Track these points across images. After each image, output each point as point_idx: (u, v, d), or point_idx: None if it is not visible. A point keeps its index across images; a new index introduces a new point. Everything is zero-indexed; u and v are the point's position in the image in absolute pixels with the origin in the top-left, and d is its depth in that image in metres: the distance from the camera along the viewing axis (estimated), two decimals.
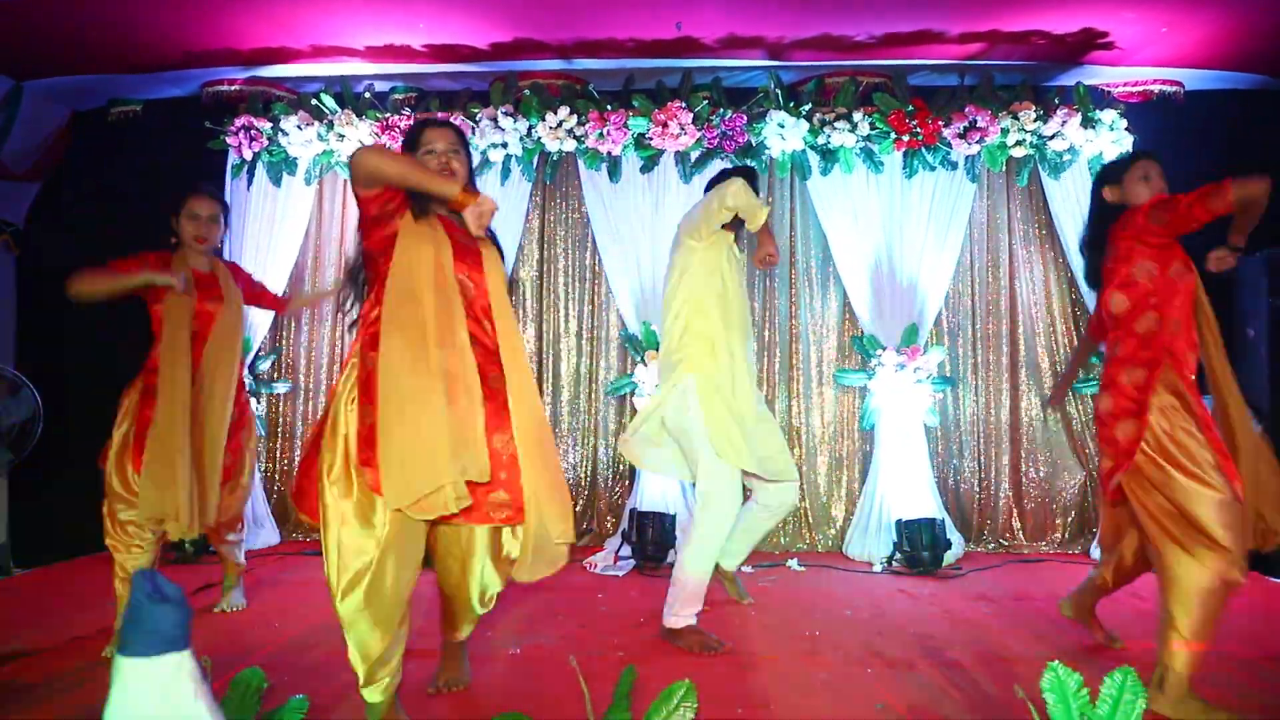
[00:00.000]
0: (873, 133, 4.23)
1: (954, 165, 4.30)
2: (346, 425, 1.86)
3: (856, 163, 4.29)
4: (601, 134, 4.27)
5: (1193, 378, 2.24)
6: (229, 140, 4.48)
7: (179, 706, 1.16)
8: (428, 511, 1.78)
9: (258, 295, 3.12)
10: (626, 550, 3.93)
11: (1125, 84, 4.37)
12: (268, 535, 4.35)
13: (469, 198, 1.85)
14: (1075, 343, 4.37)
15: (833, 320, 4.52)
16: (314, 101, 4.43)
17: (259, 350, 4.47)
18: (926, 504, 4.04)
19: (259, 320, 4.33)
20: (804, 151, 4.31)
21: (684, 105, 4.22)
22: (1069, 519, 4.35)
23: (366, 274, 2.03)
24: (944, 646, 2.63)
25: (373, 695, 1.88)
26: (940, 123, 4.20)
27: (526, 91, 4.36)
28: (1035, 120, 4.19)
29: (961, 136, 4.19)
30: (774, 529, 3.28)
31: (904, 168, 4.30)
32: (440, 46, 4.15)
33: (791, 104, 4.26)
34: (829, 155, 4.28)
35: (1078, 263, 4.14)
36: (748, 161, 4.27)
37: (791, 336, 4.52)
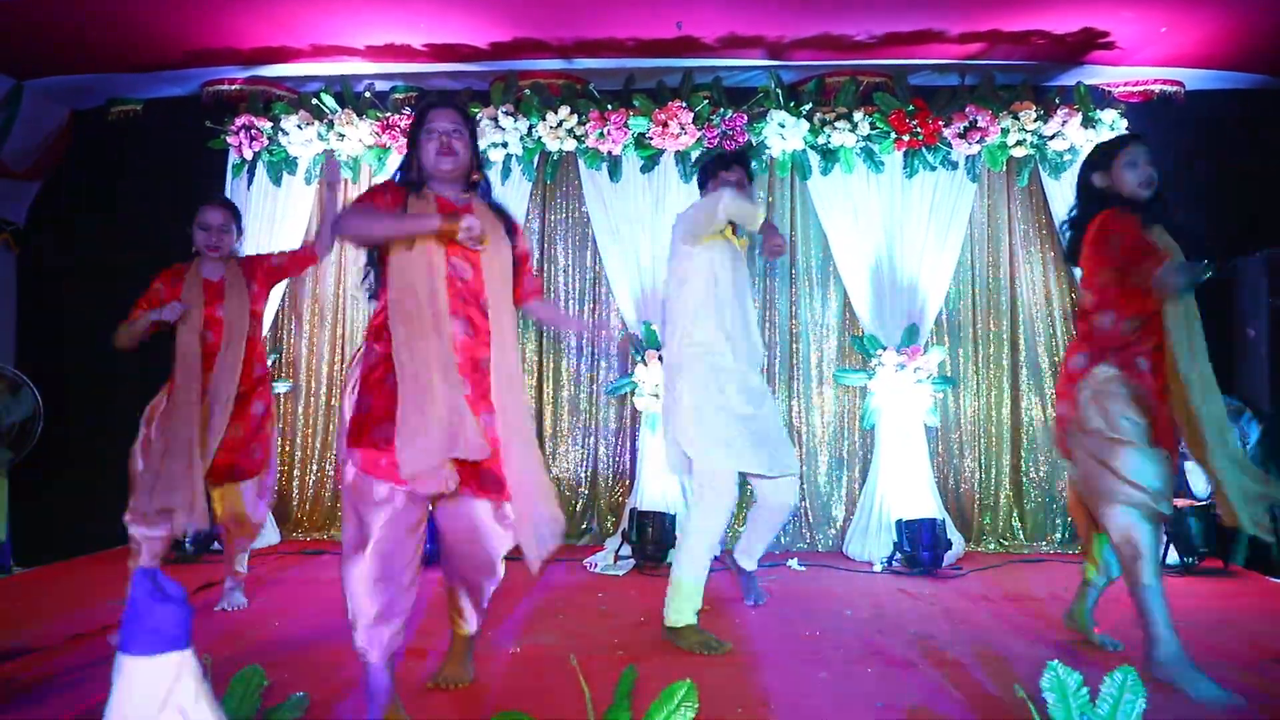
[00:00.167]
0: (873, 132, 4.23)
1: (954, 165, 4.30)
2: (345, 411, 2.04)
3: (857, 162, 4.29)
4: (602, 133, 4.27)
5: (1141, 366, 2.35)
6: (229, 140, 4.47)
7: (180, 705, 1.16)
8: (429, 488, 1.90)
9: (284, 268, 3.13)
10: (627, 550, 3.93)
11: (1126, 84, 4.37)
12: (268, 535, 4.34)
13: (451, 228, 1.95)
14: None
15: (833, 320, 4.52)
16: (314, 101, 4.43)
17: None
18: (927, 504, 4.04)
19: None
20: (804, 151, 4.31)
21: (684, 105, 4.22)
22: (1069, 519, 4.35)
23: (376, 272, 2.11)
24: (944, 646, 2.63)
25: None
26: (940, 122, 4.20)
27: (527, 91, 4.36)
28: (1036, 120, 4.19)
29: (962, 136, 4.19)
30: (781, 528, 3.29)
31: (904, 167, 4.30)
32: (440, 46, 4.15)
33: (792, 104, 4.26)
34: (829, 155, 4.28)
35: None
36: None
37: (792, 336, 4.52)
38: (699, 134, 4.24)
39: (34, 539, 4.29)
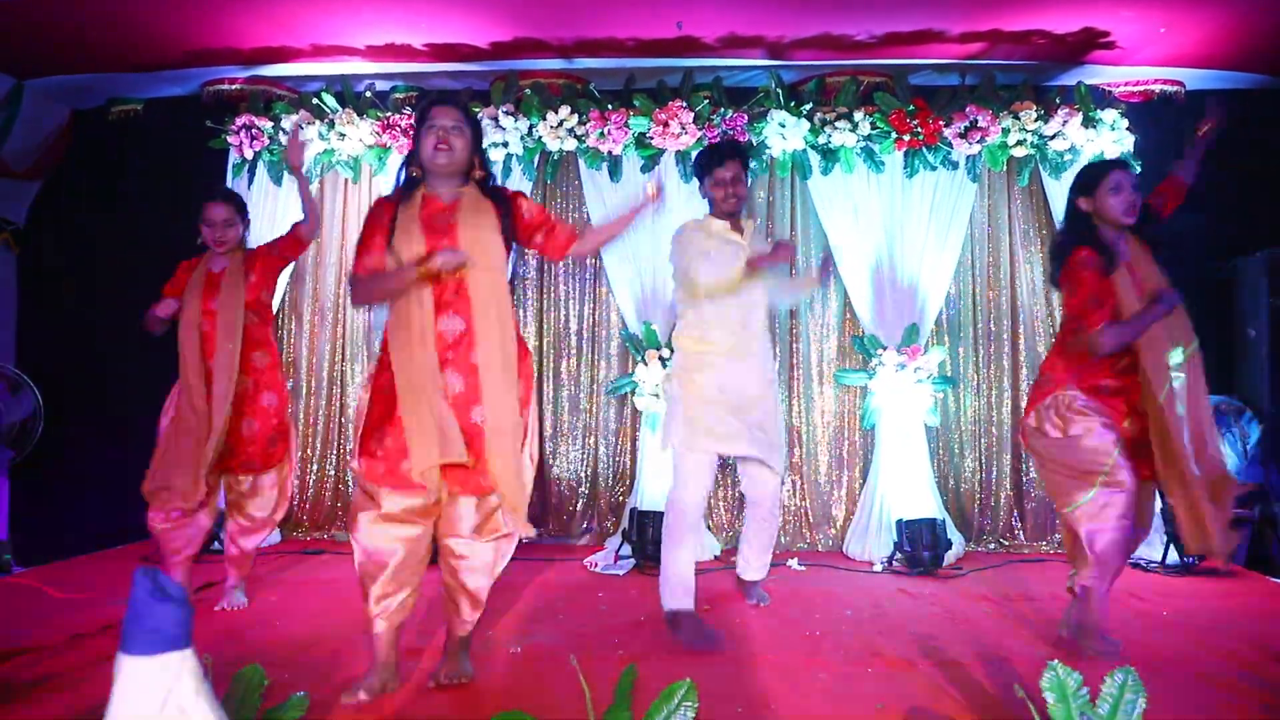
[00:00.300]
0: (873, 132, 4.23)
1: (955, 165, 4.30)
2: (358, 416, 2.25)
3: (857, 162, 4.29)
4: (602, 133, 4.27)
5: (1107, 390, 2.52)
6: (230, 139, 4.48)
7: (181, 704, 1.16)
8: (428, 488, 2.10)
9: (279, 254, 3.14)
10: (627, 550, 3.93)
11: (1126, 84, 4.36)
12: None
13: (429, 272, 2.09)
14: None
15: (833, 320, 4.52)
16: (315, 101, 4.43)
17: None
18: (927, 504, 4.04)
19: None
20: (804, 151, 4.31)
21: (685, 104, 4.22)
22: None
23: None
24: (944, 646, 2.63)
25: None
26: (941, 122, 4.20)
27: (527, 91, 4.36)
28: (1036, 120, 4.18)
29: (962, 136, 4.19)
30: (778, 527, 3.29)
31: (905, 167, 4.30)
32: (441, 46, 4.15)
33: (792, 103, 4.25)
34: (830, 155, 4.28)
35: None
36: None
37: (792, 336, 4.52)
38: (699, 134, 4.24)
39: (34, 538, 4.30)
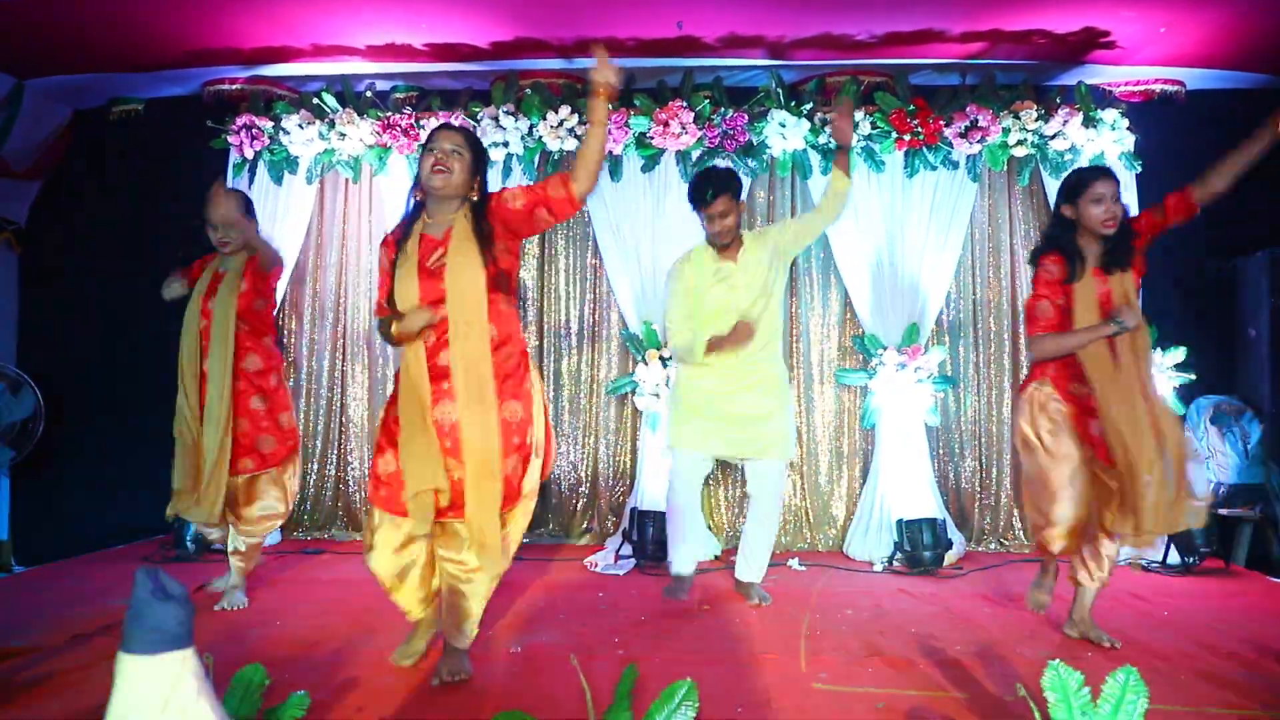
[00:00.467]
0: (874, 132, 4.23)
1: (955, 165, 4.30)
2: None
3: (858, 162, 4.28)
4: None
5: (1074, 390, 2.63)
6: (230, 139, 4.47)
7: (181, 704, 1.16)
8: (419, 511, 2.23)
9: (253, 271, 3.11)
10: (628, 549, 3.93)
11: (1127, 83, 4.36)
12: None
13: (409, 334, 2.23)
14: None
15: (834, 319, 4.52)
16: (315, 100, 4.43)
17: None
18: (927, 503, 4.04)
19: None
20: (805, 151, 4.31)
21: (685, 104, 4.22)
22: None
23: None
24: (945, 646, 2.63)
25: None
26: (941, 122, 4.20)
27: (528, 90, 4.36)
28: (1037, 120, 4.18)
29: (963, 136, 4.19)
30: (777, 529, 3.34)
31: (905, 167, 4.29)
32: (441, 45, 4.15)
33: (792, 103, 4.25)
34: (830, 155, 4.28)
35: None
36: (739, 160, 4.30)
37: (792, 336, 4.52)
38: (700, 133, 4.24)
39: (35, 537, 4.30)
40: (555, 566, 3.85)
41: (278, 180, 4.51)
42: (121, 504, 4.32)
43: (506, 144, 4.34)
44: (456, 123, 4.07)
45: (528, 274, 4.64)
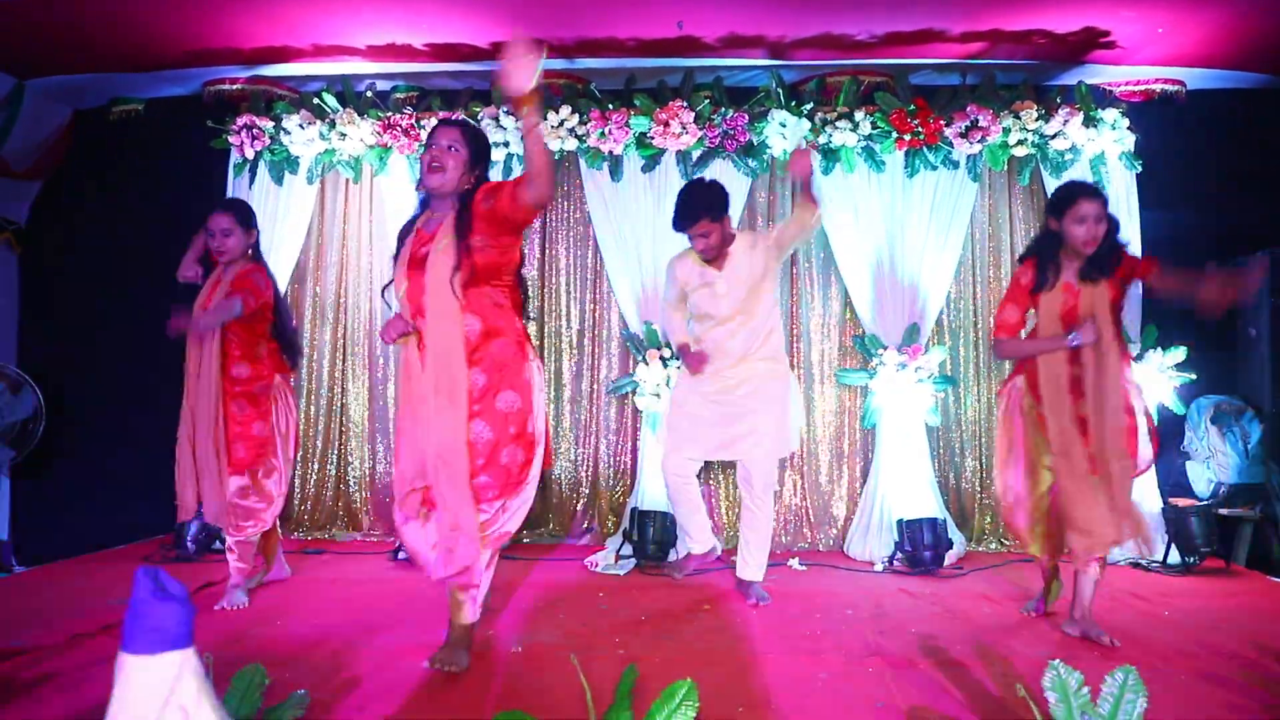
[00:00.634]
0: (874, 132, 4.23)
1: (955, 164, 4.30)
2: None
3: (858, 162, 4.28)
4: (603, 133, 4.27)
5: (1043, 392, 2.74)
6: (231, 139, 4.47)
7: (182, 703, 1.16)
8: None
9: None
10: (628, 549, 3.93)
11: (1127, 83, 4.36)
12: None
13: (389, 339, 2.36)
14: None
15: (834, 319, 4.52)
16: (316, 100, 4.43)
17: None
18: (928, 503, 4.04)
19: None
20: None
21: (685, 104, 4.22)
22: None
23: None
24: (945, 645, 2.63)
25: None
26: (942, 122, 4.20)
27: None
28: (1037, 119, 4.18)
29: (963, 136, 4.19)
30: (770, 526, 3.36)
31: (905, 167, 4.29)
32: (442, 45, 4.15)
33: (793, 103, 4.25)
34: (830, 154, 4.28)
35: None
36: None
37: (793, 336, 4.52)
38: (700, 133, 4.24)
39: (36, 537, 4.31)
40: (555, 567, 3.85)
41: (278, 180, 4.51)
42: (121, 504, 4.32)
43: (507, 144, 4.34)
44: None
45: (528, 274, 4.64)
